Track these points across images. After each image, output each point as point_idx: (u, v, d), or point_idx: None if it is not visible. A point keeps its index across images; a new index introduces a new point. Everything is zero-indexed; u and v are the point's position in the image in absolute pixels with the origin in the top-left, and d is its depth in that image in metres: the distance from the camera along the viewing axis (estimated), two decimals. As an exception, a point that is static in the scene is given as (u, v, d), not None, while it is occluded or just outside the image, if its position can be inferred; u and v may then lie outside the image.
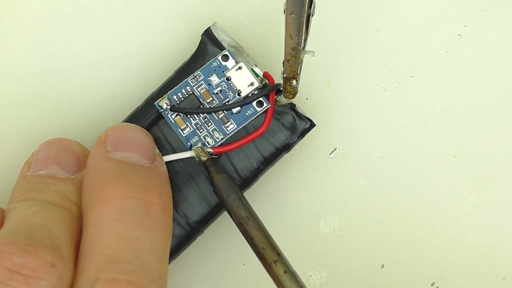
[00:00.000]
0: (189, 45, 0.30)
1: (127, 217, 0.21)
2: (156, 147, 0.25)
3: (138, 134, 0.24)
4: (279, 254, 0.23)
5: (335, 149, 0.30)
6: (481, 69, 0.30)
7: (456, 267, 0.29)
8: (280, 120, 0.27)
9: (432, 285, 0.29)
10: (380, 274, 0.29)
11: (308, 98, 0.30)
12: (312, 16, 0.20)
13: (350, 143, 0.30)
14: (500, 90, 0.30)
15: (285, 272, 0.22)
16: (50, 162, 0.24)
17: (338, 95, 0.30)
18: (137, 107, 0.27)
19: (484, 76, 0.30)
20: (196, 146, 0.26)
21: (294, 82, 0.25)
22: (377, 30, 0.30)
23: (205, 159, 0.26)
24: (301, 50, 0.22)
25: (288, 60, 0.23)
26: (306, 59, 0.24)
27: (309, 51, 0.22)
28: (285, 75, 0.25)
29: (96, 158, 0.23)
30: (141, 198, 0.22)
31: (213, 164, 0.25)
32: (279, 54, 0.27)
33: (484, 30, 0.30)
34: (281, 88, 0.27)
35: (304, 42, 0.22)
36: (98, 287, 0.19)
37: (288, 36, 0.20)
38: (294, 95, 0.26)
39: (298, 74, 0.24)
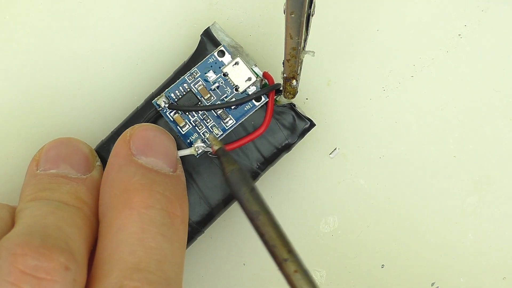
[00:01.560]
0: (189, 45, 0.30)
1: (153, 228, 0.21)
2: (177, 151, 0.25)
3: (163, 139, 0.24)
4: (290, 251, 0.22)
5: (335, 149, 0.30)
6: (481, 69, 0.30)
7: (456, 267, 0.29)
8: (280, 120, 0.27)
9: (432, 285, 0.29)
10: (380, 274, 0.29)
11: (308, 98, 0.30)
12: (312, 16, 0.20)
13: (350, 143, 0.30)
14: (500, 90, 0.30)
15: (295, 271, 0.21)
16: (61, 161, 0.24)
17: (338, 95, 0.30)
18: (137, 108, 0.27)
19: (484, 76, 0.30)
20: (209, 135, 0.26)
21: (294, 82, 0.25)
22: (377, 30, 0.30)
23: (217, 147, 0.24)
24: (301, 50, 0.22)
25: (288, 60, 0.23)
26: (306, 59, 0.24)
27: (309, 51, 0.22)
28: (285, 75, 0.25)
29: (120, 159, 0.23)
30: (166, 210, 0.22)
31: (225, 154, 0.24)
32: (279, 54, 0.27)
33: (484, 30, 0.30)
34: (281, 88, 0.27)
35: (304, 42, 0.22)
36: None
37: (288, 36, 0.20)
38: (294, 95, 0.26)
39: (298, 74, 0.24)
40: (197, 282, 0.29)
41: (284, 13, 0.19)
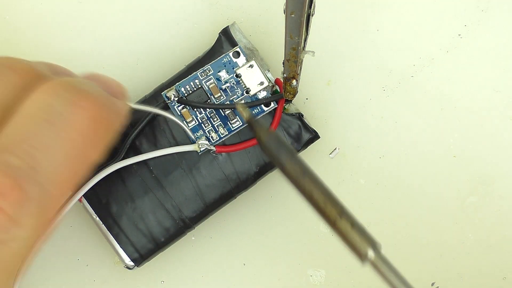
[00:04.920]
0: (189, 45, 0.30)
1: (43, 114, 0.19)
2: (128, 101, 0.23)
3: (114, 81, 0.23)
4: (342, 207, 0.20)
5: (335, 149, 0.30)
6: (481, 69, 0.30)
7: (456, 267, 0.29)
8: (286, 128, 0.27)
9: (432, 285, 0.29)
10: (380, 274, 0.29)
11: (308, 98, 0.30)
12: (312, 16, 0.20)
13: (350, 143, 0.30)
14: (500, 90, 0.30)
15: (352, 226, 0.20)
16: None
17: (338, 95, 0.30)
18: (145, 96, 0.28)
19: (484, 76, 0.30)
20: (238, 104, 0.24)
21: (294, 82, 0.25)
22: (377, 30, 0.30)
23: (248, 115, 0.23)
24: (301, 50, 0.22)
25: (288, 60, 0.23)
26: (306, 59, 0.24)
27: (309, 51, 0.22)
28: (285, 75, 0.25)
29: None
30: (71, 100, 0.19)
31: (257, 121, 0.22)
32: (279, 54, 0.27)
33: (484, 30, 0.30)
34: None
35: (304, 42, 0.22)
36: None
37: (288, 36, 0.20)
38: (294, 95, 0.26)
39: (298, 74, 0.24)
40: (197, 282, 0.29)
41: (284, 13, 0.19)
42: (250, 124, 0.23)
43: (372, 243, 0.20)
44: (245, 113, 0.23)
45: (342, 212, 0.20)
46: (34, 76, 0.21)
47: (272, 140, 0.22)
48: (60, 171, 0.19)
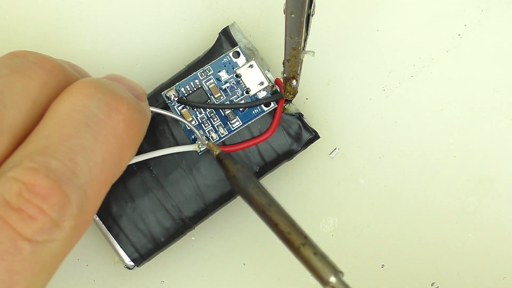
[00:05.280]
0: (189, 45, 0.30)
1: (80, 117, 0.19)
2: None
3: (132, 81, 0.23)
4: (306, 237, 0.22)
5: (335, 149, 0.30)
6: (481, 69, 0.30)
7: (456, 267, 0.29)
8: (286, 128, 0.27)
9: (432, 285, 0.29)
10: (380, 274, 0.29)
11: (308, 98, 0.30)
12: (312, 16, 0.20)
13: (350, 143, 0.30)
14: (500, 90, 0.30)
15: (315, 253, 0.21)
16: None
17: (338, 95, 0.30)
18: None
19: (484, 76, 0.30)
20: (207, 142, 0.26)
21: (294, 82, 0.25)
22: (377, 30, 0.30)
23: (217, 152, 0.25)
24: (301, 50, 0.22)
25: (288, 60, 0.23)
26: (306, 59, 0.24)
27: (309, 51, 0.22)
28: (285, 75, 0.25)
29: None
30: (106, 102, 0.20)
31: (226, 157, 0.25)
32: (279, 54, 0.27)
33: (484, 30, 0.30)
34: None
35: (304, 42, 0.22)
36: (14, 172, 0.18)
37: (288, 36, 0.20)
38: (294, 95, 0.26)
39: (298, 74, 0.24)
40: (197, 282, 0.29)
41: (284, 13, 0.19)
42: (221, 159, 0.25)
43: (334, 270, 0.21)
44: (216, 150, 0.25)
45: (306, 241, 0.22)
46: (62, 75, 0.21)
47: (241, 174, 0.24)
48: (98, 174, 0.20)
